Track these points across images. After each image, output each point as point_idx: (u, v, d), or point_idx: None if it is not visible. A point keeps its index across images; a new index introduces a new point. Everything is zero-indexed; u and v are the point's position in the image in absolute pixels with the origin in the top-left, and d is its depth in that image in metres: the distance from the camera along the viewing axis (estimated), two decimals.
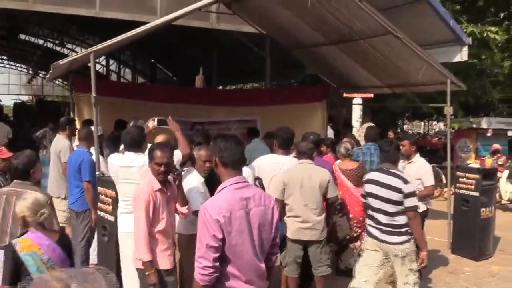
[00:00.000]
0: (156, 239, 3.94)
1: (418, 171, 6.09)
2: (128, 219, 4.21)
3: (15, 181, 4.14)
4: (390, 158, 4.82)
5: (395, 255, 4.63)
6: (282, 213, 5.06)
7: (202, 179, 4.57)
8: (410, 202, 4.59)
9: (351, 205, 6.17)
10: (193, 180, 4.49)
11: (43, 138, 11.42)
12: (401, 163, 6.05)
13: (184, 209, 4.18)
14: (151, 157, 3.96)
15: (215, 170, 3.01)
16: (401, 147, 5.90)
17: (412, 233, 4.62)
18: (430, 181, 6.13)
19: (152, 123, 5.11)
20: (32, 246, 3.05)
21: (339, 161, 6.57)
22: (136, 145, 4.51)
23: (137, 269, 3.95)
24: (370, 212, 4.86)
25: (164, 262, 3.98)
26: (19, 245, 3.07)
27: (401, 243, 4.60)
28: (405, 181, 4.64)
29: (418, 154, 6.31)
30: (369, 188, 4.85)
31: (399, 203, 4.58)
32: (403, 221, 4.62)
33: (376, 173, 4.86)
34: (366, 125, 9.20)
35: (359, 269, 4.85)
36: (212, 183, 4.26)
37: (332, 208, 5.49)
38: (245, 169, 4.52)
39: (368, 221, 4.93)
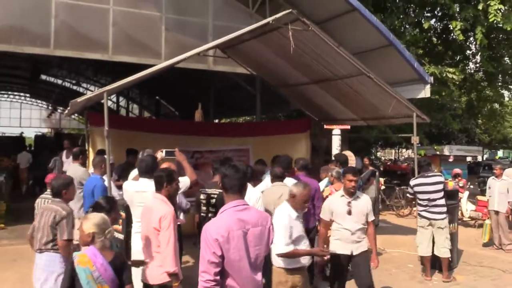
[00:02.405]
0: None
1: (366, 206, 4.97)
2: None
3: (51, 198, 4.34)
4: (426, 169, 6.85)
5: (439, 227, 6.57)
6: None
7: (296, 215, 4.13)
8: (446, 186, 6.89)
9: None
10: (285, 217, 4.07)
11: (53, 168, 11.33)
12: (344, 199, 4.95)
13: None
14: (172, 180, 3.95)
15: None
16: (347, 182, 4.92)
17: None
18: (373, 216, 5.05)
19: (160, 154, 5.08)
20: (87, 263, 2.99)
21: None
22: (150, 172, 4.47)
23: (161, 285, 3.71)
24: (421, 202, 6.68)
25: (180, 273, 3.89)
26: (77, 258, 3.02)
27: (443, 219, 6.59)
28: (441, 175, 6.95)
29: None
30: (418, 188, 6.71)
31: (442, 190, 6.62)
32: (442, 202, 6.61)
33: (420, 178, 6.77)
34: (344, 152, 9.24)
35: (421, 241, 6.70)
36: None
37: None
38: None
39: (419, 208, 6.76)
